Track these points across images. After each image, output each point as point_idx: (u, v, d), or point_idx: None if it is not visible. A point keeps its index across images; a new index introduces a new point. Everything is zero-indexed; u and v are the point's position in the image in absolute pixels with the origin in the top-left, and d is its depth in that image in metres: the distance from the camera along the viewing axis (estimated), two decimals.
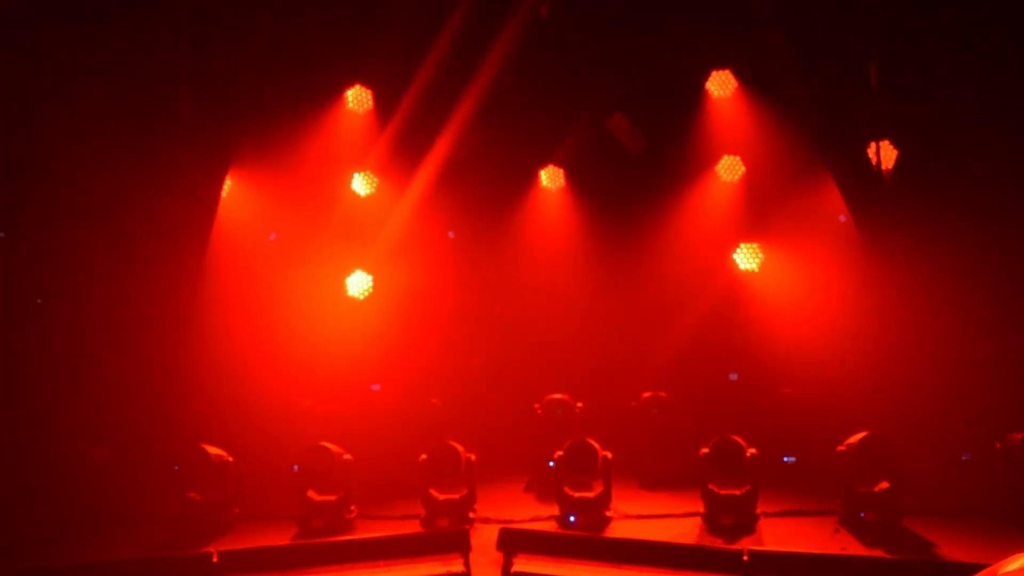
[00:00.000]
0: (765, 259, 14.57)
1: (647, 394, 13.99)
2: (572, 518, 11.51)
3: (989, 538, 10.41)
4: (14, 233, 13.12)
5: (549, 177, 15.44)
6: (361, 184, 15.08)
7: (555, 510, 11.64)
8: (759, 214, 14.78)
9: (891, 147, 13.31)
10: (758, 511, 11.37)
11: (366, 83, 14.93)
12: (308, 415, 14.09)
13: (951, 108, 13.00)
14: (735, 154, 14.89)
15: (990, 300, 12.91)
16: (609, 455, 11.78)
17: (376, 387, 15.07)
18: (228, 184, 14.17)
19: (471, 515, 11.67)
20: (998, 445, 11.36)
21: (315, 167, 14.90)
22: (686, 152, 15.15)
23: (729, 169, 14.87)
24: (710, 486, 11.38)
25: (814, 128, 12.93)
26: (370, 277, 14.88)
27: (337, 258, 14.99)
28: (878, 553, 10.18)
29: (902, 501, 11.05)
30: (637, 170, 15.42)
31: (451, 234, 15.71)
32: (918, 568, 9.21)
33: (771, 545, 10.58)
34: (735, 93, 14.76)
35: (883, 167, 12.92)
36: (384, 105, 14.99)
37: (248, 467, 12.35)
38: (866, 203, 12.82)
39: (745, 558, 9.02)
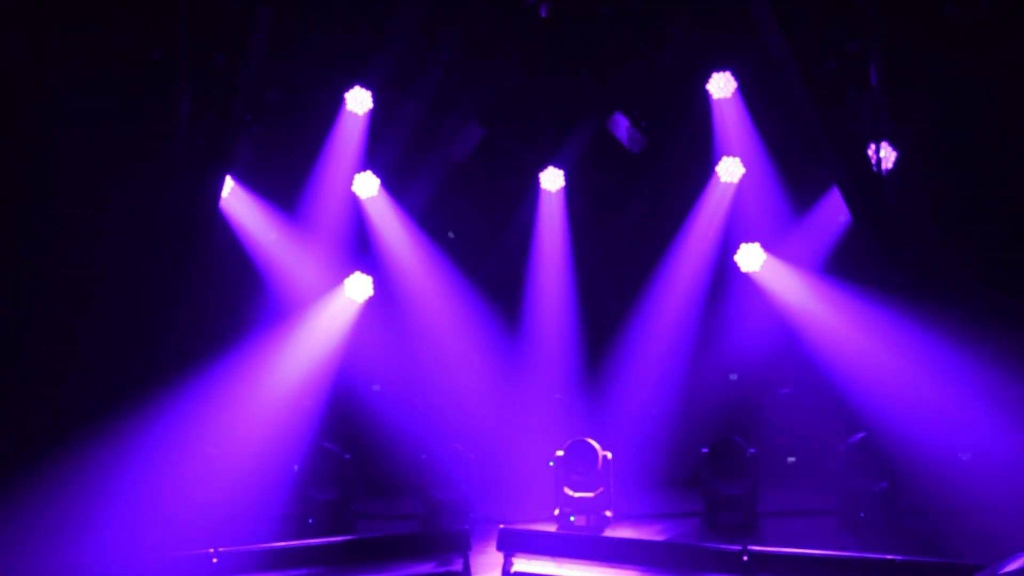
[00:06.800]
0: (766, 260, 14.57)
1: (648, 394, 14.01)
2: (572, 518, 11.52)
3: (989, 538, 10.40)
4: (13, 233, 13.07)
5: (549, 178, 15.42)
6: (361, 185, 15.07)
7: (555, 510, 11.66)
8: (759, 215, 14.78)
9: (891, 147, 13.32)
10: (758, 511, 11.38)
11: (366, 84, 14.93)
12: (307, 415, 14.08)
13: (951, 108, 13.01)
14: (735, 155, 14.89)
15: (991, 300, 12.90)
16: (609, 455, 11.80)
17: (376, 387, 15.06)
18: (228, 184, 14.18)
19: (471, 515, 11.68)
20: (997, 445, 11.37)
21: (315, 167, 14.91)
22: (686, 153, 15.16)
23: (729, 170, 14.87)
24: (710, 486, 11.39)
25: (814, 128, 12.91)
26: (370, 279, 14.87)
27: (337, 259, 14.99)
28: (878, 553, 10.18)
29: (902, 501, 11.05)
30: (637, 171, 15.43)
31: (451, 235, 15.71)
32: (918, 568, 9.21)
33: (771, 545, 10.58)
34: (735, 94, 14.75)
35: (883, 167, 12.93)
36: (384, 106, 15.00)
37: (248, 467, 12.37)
38: (866, 203, 12.82)
39: (745, 558, 9.02)
